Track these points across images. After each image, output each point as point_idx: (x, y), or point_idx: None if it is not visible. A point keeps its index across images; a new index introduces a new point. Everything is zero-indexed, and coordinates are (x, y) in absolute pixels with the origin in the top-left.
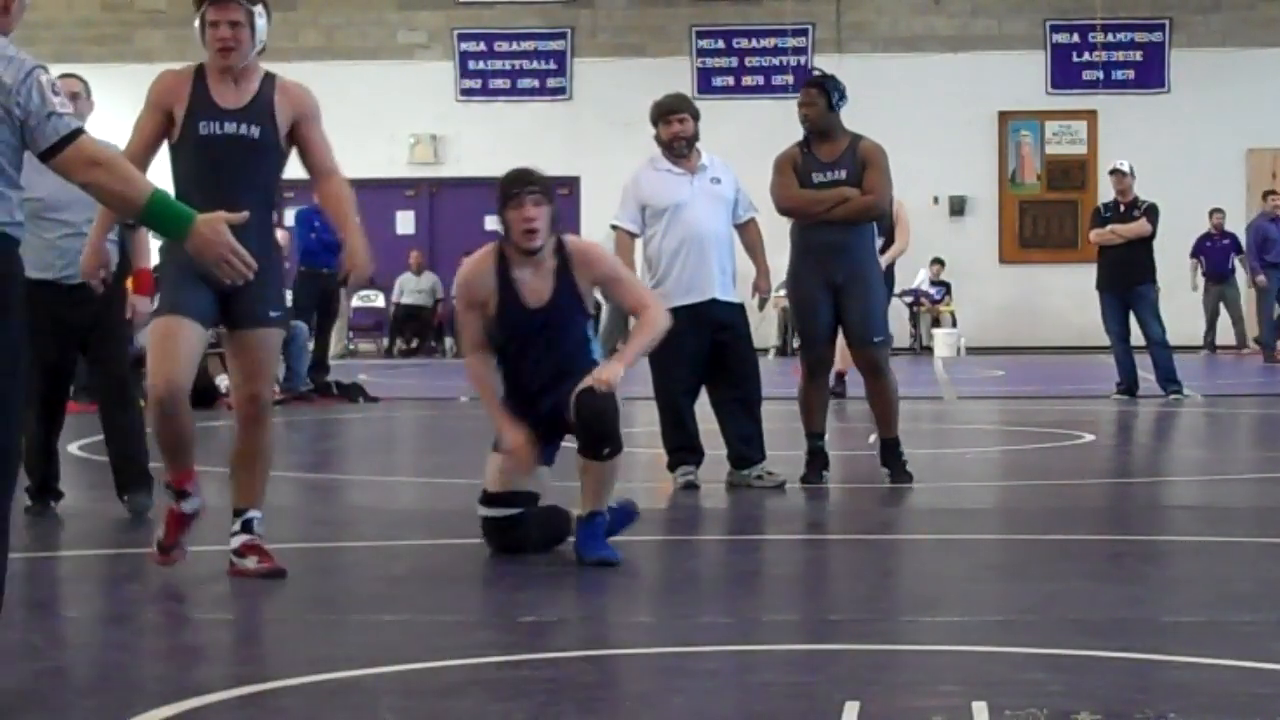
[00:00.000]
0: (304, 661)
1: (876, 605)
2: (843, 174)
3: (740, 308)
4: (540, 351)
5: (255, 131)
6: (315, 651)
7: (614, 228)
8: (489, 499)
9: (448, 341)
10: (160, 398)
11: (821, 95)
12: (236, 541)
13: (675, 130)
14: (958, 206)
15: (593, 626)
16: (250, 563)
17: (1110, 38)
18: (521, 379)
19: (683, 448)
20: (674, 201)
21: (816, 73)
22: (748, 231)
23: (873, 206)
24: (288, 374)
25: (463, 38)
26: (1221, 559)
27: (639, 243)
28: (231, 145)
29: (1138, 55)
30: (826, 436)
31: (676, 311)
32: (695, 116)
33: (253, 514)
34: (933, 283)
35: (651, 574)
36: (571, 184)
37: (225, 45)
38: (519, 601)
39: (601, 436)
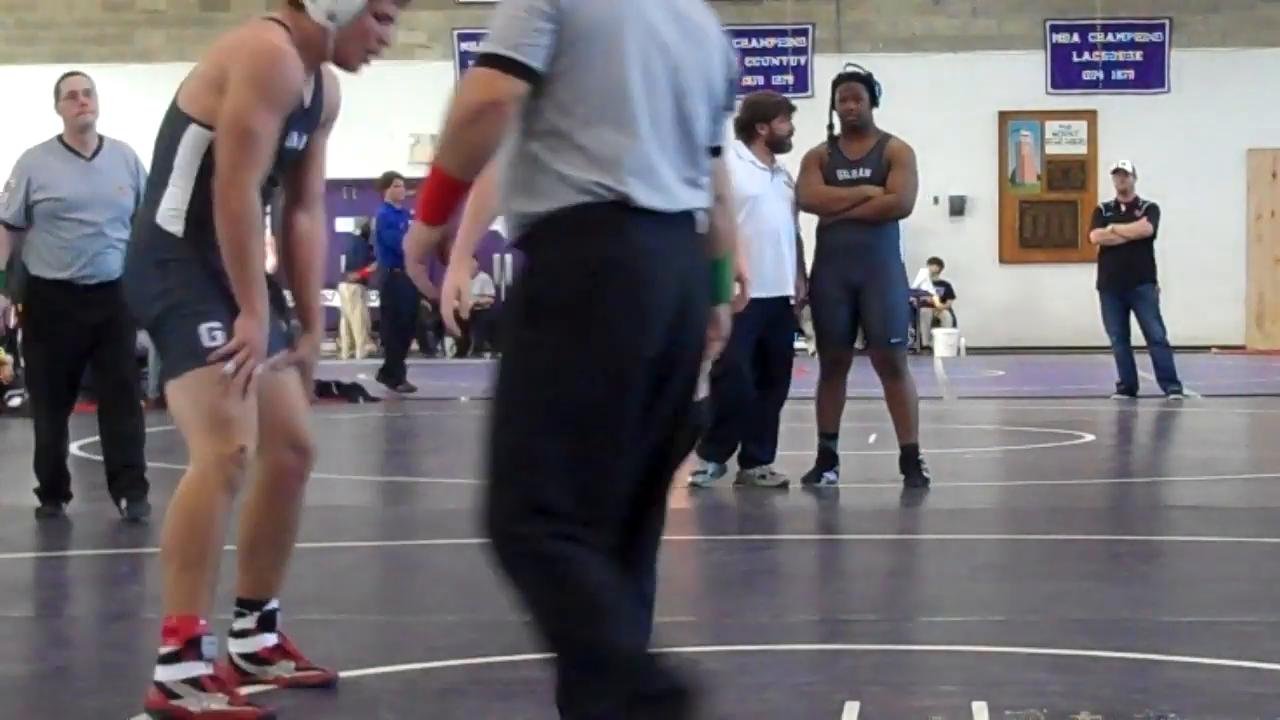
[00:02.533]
0: None
1: (877, 605)
2: (867, 172)
3: (792, 307)
4: None
5: None
6: (315, 651)
7: None
8: None
9: (447, 342)
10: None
11: (866, 90)
12: (258, 643)
13: (792, 125)
14: (958, 206)
15: None
16: (288, 670)
17: (1110, 38)
18: None
19: (717, 443)
20: (754, 193)
21: (852, 68)
22: None
23: (894, 206)
24: None
25: (463, 38)
26: (1222, 559)
27: None
28: None
29: (1138, 55)
30: (838, 437)
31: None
32: None
33: (274, 604)
34: (933, 282)
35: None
36: None
37: None
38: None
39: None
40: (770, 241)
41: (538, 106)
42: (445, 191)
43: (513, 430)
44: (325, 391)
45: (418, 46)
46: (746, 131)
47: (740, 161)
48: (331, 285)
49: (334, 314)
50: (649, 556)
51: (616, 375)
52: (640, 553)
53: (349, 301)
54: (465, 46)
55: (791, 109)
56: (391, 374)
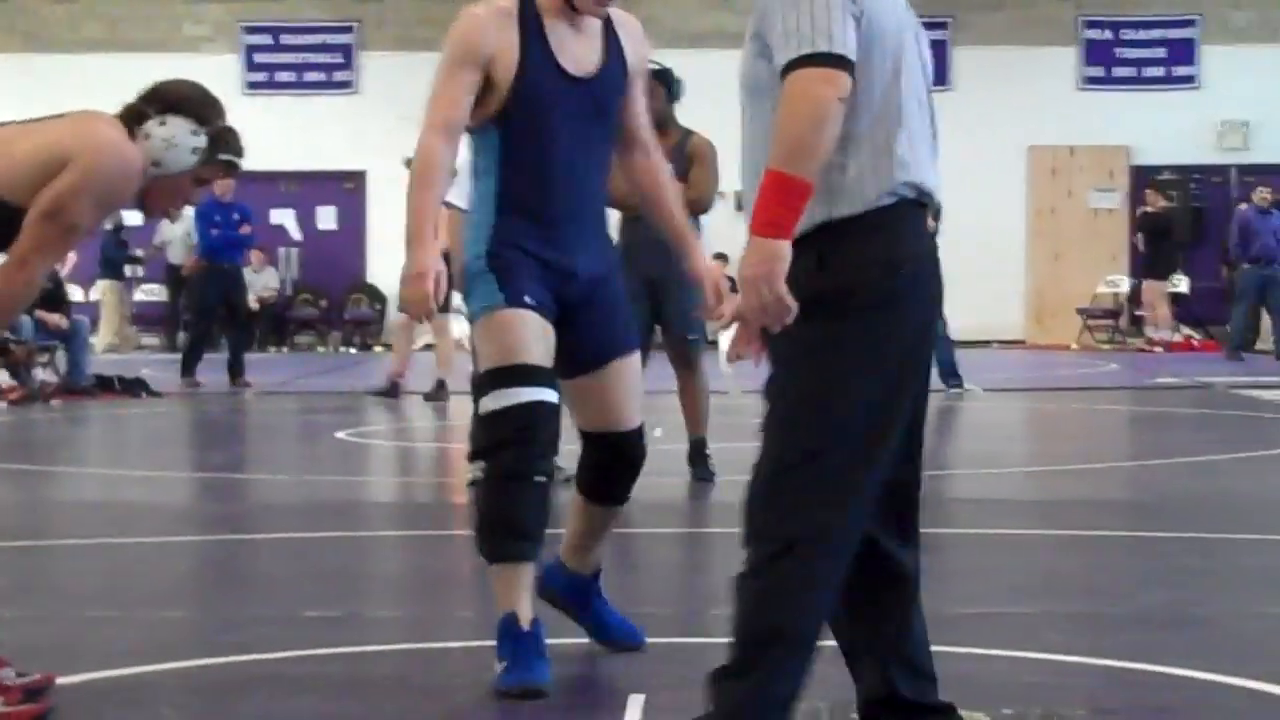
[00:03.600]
0: (85, 658)
1: (665, 598)
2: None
3: None
4: (571, 146)
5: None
6: (96, 648)
7: (448, 205)
8: (497, 376)
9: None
10: None
11: (661, 87)
12: None
13: None
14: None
15: (375, 622)
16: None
17: None
18: (537, 185)
19: None
20: None
21: (654, 66)
22: None
23: (694, 203)
24: (70, 367)
25: (248, 30)
26: (1001, 551)
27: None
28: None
29: None
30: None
31: None
32: None
33: None
34: None
35: (433, 569)
36: (358, 178)
37: None
38: (302, 597)
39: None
40: None
41: None
42: (801, 199)
43: (808, 424)
44: (108, 387)
45: (203, 39)
46: None
47: None
48: (90, 281)
49: (95, 309)
50: (916, 525)
51: (911, 368)
52: (911, 523)
53: (104, 295)
54: (250, 40)
55: None
56: (189, 366)
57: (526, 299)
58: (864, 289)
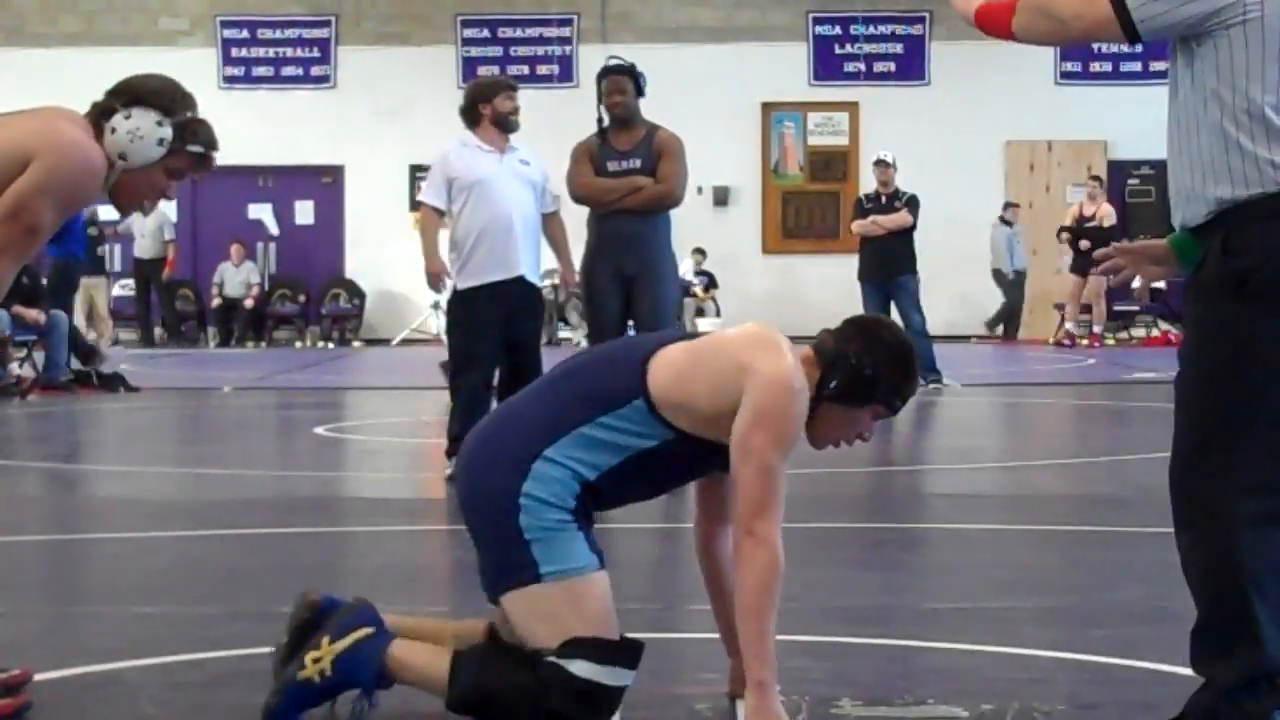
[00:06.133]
0: (64, 654)
1: (642, 593)
2: (637, 163)
3: (539, 293)
4: None
5: None
6: (75, 644)
7: (419, 204)
8: (613, 651)
9: (210, 331)
10: None
11: (630, 82)
12: None
13: (516, 103)
14: (721, 197)
15: None
16: None
17: (872, 30)
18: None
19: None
20: (481, 176)
21: (615, 61)
22: (551, 224)
23: (665, 196)
24: (47, 363)
25: (225, 24)
26: (979, 546)
27: (446, 221)
28: None
29: (898, 48)
30: None
31: (480, 290)
32: None
33: None
34: (696, 273)
35: (411, 564)
36: (336, 172)
37: None
38: (282, 593)
39: None
40: (500, 225)
41: (1234, 83)
42: None
43: (1215, 394)
44: (85, 382)
45: (180, 33)
46: (470, 115)
47: (464, 149)
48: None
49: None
50: None
51: None
52: None
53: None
54: (228, 34)
55: (513, 87)
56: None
57: (603, 556)
58: (1263, 270)
